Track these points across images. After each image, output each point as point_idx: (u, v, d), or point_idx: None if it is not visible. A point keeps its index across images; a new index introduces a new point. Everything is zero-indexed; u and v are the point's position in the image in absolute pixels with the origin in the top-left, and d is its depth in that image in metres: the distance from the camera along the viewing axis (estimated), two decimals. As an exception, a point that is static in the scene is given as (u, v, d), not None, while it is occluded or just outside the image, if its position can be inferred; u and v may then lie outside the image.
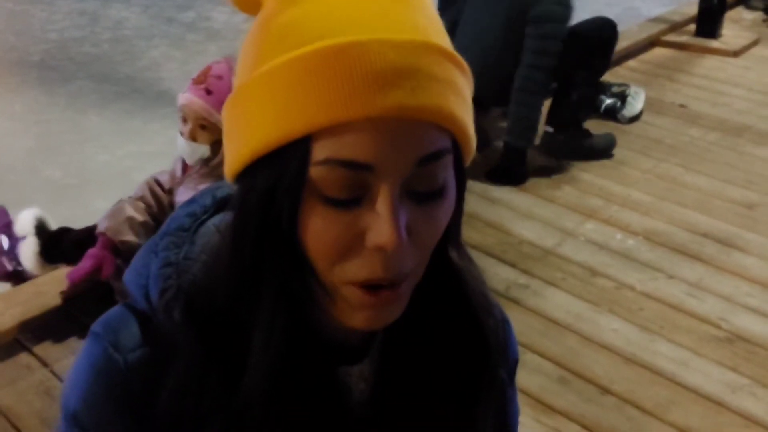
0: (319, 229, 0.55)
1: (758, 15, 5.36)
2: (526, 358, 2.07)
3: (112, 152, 3.91)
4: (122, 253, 2.05)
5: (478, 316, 0.68)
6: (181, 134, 2.04)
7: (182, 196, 2.05)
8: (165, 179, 2.16)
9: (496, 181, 3.01)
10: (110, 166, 3.76)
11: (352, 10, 0.54)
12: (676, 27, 4.88)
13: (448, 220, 0.59)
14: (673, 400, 1.99)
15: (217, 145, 2.01)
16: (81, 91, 4.72)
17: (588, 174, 3.14)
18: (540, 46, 2.87)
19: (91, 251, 2.06)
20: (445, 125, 0.55)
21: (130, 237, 2.04)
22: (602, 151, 3.27)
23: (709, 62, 4.53)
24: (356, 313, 0.58)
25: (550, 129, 3.18)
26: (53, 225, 2.25)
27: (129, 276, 0.66)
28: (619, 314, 2.30)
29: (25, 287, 2.21)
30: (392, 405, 0.67)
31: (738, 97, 4.02)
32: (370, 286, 0.56)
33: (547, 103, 3.07)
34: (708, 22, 4.73)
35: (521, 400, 0.86)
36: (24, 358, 2.03)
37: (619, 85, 3.75)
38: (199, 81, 2.00)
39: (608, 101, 3.65)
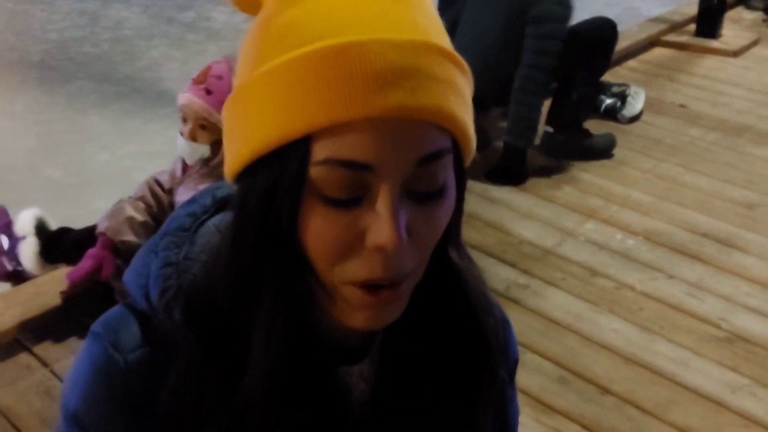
0: (319, 229, 0.55)
1: (758, 15, 5.36)
2: (526, 358, 2.07)
3: (112, 152, 3.91)
4: (122, 253, 2.05)
5: (478, 316, 0.68)
6: (181, 134, 2.04)
7: (182, 196, 2.05)
8: (165, 179, 2.16)
9: (496, 181, 3.01)
10: (110, 166, 3.76)
11: (352, 10, 0.54)
12: (676, 27, 4.88)
13: (448, 220, 0.59)
14: (673, 400, 1.99)
15: (217, 145, 2.01)
16: (81, 91, 4.72)
17: (588, 174, 3.14)
18: (540, 46, 2.86)
19: (91, 251, 2.06)
20: (445, 125, 0.55)
21: (130, 237, 2.04)
22: (602, 151, 3.26)
23: (709, 62, 4.53)
24: (356, 313, 0.58)
25: (550, 129, 3.18)
26: (53, 225, 2.25)
27: (129, 276, 0.66)
28: (619, 314, 2.30)
29: (25, 287, 2.21)
30: (392, 405, 0.67)
31: (738, 97, 4.02)
32: (370, 286, 0.56)
33: (547, 103, 3.07)
34: (708, 22, 4.73)
35: (521, 400, 0.86)
36: (24, 358, 2.03)
37: (619, 85, 3.75)
38: (199, 81, 2.00)
39: (608, 101, 3.65)
